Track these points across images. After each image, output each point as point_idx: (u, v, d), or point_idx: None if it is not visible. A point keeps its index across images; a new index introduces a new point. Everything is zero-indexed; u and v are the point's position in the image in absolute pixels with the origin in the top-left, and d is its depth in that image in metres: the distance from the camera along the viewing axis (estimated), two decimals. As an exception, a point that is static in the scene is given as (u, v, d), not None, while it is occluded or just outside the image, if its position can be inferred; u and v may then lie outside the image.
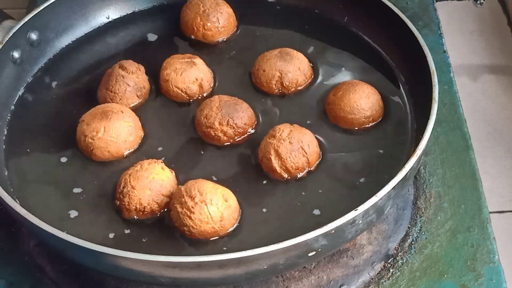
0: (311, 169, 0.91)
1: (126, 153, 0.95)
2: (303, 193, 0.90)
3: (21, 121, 1.01)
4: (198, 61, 1.03)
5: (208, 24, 1.09)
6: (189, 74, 1.01)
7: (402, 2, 1.26)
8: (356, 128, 0.96)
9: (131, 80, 1.00)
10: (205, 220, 0.83)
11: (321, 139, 0.95)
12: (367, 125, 0.96)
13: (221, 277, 0.80)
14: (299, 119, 0.97)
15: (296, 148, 0.90)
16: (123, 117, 0.95)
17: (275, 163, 0.90)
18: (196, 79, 1.01)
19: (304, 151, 0.90)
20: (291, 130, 0.91)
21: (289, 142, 0.90)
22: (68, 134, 0.97)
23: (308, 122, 0.97)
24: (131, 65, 1.01)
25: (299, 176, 0.91)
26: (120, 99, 0.99)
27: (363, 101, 0.95)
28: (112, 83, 0.99)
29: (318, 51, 1.08)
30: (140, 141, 0.96)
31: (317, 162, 0.92)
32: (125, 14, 1.16)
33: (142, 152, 0.95)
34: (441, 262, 0.93)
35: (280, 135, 0.90)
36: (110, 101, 0.99)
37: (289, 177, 0.91)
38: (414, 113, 0.97)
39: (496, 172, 1.32)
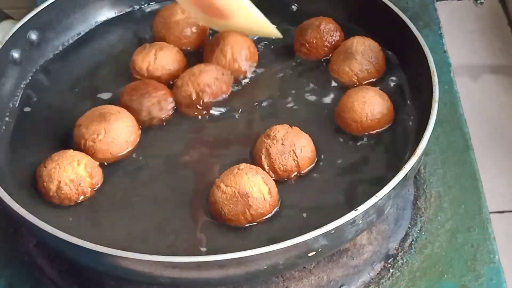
0: (302, 173, 0.91)
1: (125, 152, 0.94)
2: (295, 195, 0.89)
3: (21, 121, 1.01)
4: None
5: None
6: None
7: (402, 2, 1.26)
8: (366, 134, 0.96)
9: None
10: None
11: (321, 139, 0.95)
12: (377, 130, 0.96)
13: (221, 277, 0.80)
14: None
15: (287, 150, 0.90)
16: (121, 117, 0.95)
17: (264, 162, 0.90)
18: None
19: (295, 155, 0.90)
20: (287, 132, 0.91)
21: (282, 144, 0.90)
22: (69, 134, 0.97)
23: (309, 124, 0.97)
24: None
25: (289, 177, 0.91)
26: None
27: (373, 107, 0.94)
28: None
29: (318, 51, 1.08)
30: (139, 140, 0.96)
31: (309, 167, 0.92)
32: (125, 13, 1.16)
33: (141, 149, 0.95)
34: (441, 262, 0.93)
35: (275, 135, 0.90)
36: None
37: (276, 178, 0.90)
38: (414, 113, 0.97)
39: (496, 172, 1.31)
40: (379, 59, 1.02)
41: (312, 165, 0.92)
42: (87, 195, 0.89)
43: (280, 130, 0.91)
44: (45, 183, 0.89)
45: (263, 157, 0.90)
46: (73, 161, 0.89)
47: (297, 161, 0.90)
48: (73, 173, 0.88)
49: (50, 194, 0.89)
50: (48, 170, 0.89)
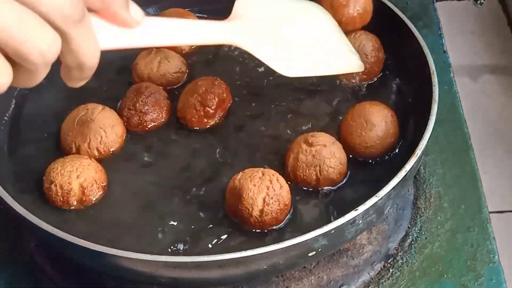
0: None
1: (112, 149, 0.94)
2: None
3: (20, 121, 1.01)
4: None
5: None
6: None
7: (402, 2, 1.26)
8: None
9: None
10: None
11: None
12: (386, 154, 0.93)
13: (221, 277, 0.80)
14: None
15: (314, 164, 0.88)
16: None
17: (289, 163, 0.89)
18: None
19: (320, 172, 0.88)
20: (324, 145, 0.89)
21: (312, 156, 0.88)
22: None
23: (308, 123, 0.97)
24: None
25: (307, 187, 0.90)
26: None
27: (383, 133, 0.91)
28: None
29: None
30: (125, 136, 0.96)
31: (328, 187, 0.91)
32: (125, 14, 1.16)
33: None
34: (441, 262, 0.93)
35: (312, 142, 0.89)
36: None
37: (293, 183, 0.89)
38: (414, 113, 0.97)
39: (496, 172, 1.32)
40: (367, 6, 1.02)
41: (331, 187, 0.90)
42: (72, 207, 0.88)
43: (320, 140, 0.89)
44: (44, 177, 0.89)
45: (290, 158, 0.89)
46: (75, 171, 0.88)
47: (319, 177, 0.88)
48: (66, 182, 0.88)
49: (43, 188, 0.89)
50: (51, 167, 0.89)
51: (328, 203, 0.88)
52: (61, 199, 0.88)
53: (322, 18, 0.92)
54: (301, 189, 0.89)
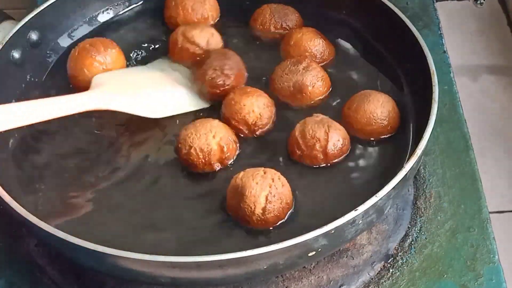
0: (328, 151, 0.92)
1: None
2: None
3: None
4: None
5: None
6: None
7: (402, 2, 1.26)
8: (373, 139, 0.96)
9: None
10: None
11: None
12: (385, 136, 0.95)
13: (221, 277, 0.80)
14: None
15: (322, 123, 0.92)
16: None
17: (298, 128, 0.93)
18: None
19: (328, 128, 0.92)
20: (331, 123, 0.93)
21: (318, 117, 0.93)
22: (68, 134, 0.97)
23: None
24: None
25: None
26: None
27: (378, 110, 0.94)
28: None
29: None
30: None
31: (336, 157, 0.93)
32: (125, 12, 1.16)
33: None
34: (441, 262, 0.93)
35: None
36: None
37: (304, 148, 0.91)
38: (414, 113, 0.97)
39: (496, 172, 1.32)
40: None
41: (341, 157, 0.92)
42: (214, 169, 0.91)
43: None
44: (179, 144, 0.92)
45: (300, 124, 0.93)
46: (209, 132, 0.91)
47: (327, 133, 0.90)
48: (205, 143, 0.90)
49: (181, 155, 0.91)
50: (185, 133, 0.91)
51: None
52: (203, 161, 0.90)
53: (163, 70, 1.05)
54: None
